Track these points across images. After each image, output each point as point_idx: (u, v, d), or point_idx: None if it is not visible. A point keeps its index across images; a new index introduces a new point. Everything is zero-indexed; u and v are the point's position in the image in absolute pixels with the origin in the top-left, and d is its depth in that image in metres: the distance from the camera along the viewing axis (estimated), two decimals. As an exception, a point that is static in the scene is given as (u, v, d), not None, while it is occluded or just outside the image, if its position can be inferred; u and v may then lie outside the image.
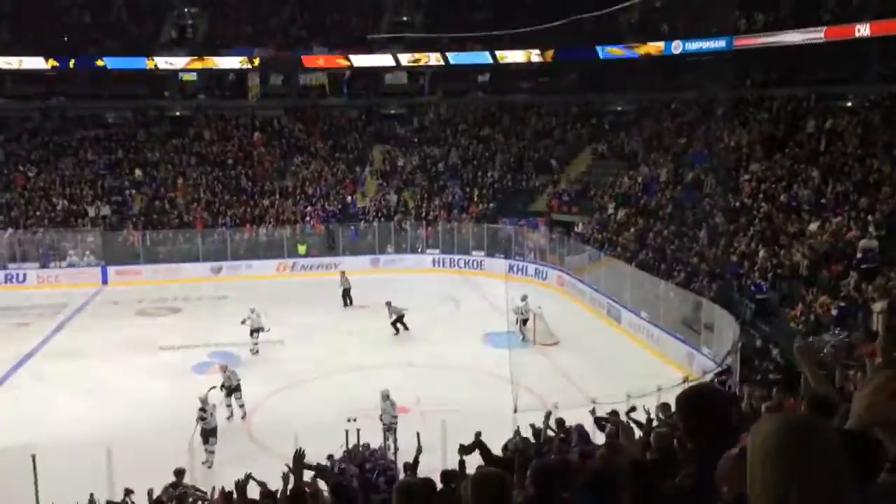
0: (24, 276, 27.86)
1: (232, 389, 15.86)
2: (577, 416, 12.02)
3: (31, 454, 10.82)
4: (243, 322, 19.65)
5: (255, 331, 19.64)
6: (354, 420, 12.67)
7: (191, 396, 16.39)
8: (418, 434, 10.81)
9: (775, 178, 23.33)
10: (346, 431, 12.34)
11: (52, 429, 14.37)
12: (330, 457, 11.42)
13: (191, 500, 10.00)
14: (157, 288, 26.61)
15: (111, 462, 11.60)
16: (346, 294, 24.77)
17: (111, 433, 13.22)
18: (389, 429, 13.94)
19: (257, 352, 19.59)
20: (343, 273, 25.60)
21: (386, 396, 14.29)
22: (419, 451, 10.41)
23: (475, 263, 29.32)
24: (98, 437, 12.99)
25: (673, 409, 9.63)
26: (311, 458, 11.39)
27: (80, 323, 23.30)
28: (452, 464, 9.29)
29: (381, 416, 14.12)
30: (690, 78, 30.06)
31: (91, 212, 30.80)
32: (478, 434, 8.87)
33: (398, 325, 21.81)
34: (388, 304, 22.03)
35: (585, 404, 13.02)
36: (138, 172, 32.83)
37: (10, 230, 29.08)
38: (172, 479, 10.83)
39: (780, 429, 1.66)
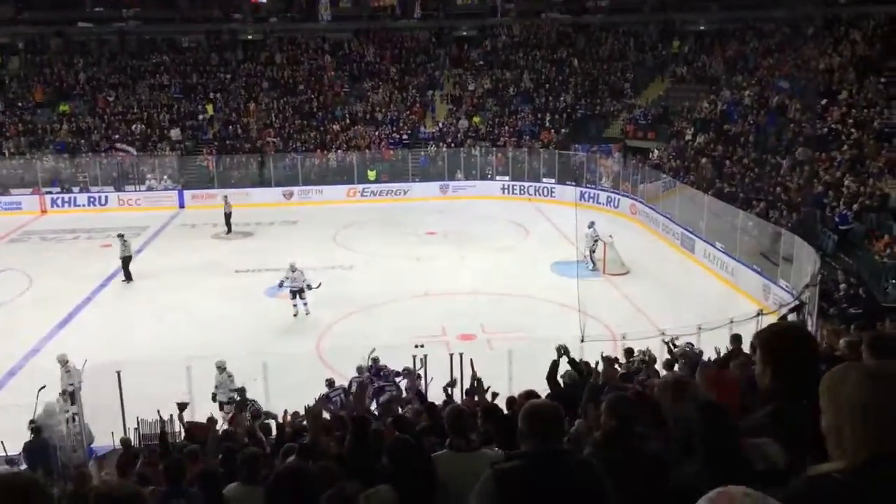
0: (106, 198, 28.85)
1: (296, 292, 16.82)
2: (646, 346, 11.88)
3: (117, 370, 11.32)
4: (281, 284, 17.37)
5: (296, 292, 17.24)
6: (422, 346, 12.77)
7: (263, 318, 16.99)
8: (472, 362, 10.84)
9: (867, 103, 21.94)
10: (414, 357, 12.47)
11: (134, 346, 15.01)
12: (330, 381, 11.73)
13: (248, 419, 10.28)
14: (232, 212, 27.13)
15: (190, 379, 12.06)
16: (228, 219, 24.26)
17: (189, 352, 13.68)
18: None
19: (307, 313, 17.21)
20: (225, 197, 25.54)
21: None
22: (474, 377, 10.43)
23: (545, 191, 28.87)
24: (177, 355, 13.47)
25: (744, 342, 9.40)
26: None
27: (159, 245, 24.10)
28: (519, 391, 9.31)
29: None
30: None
31: (175, 135, 31.41)
32: (561, 349, 8.86)
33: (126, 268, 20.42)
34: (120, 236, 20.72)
35: (655, 335, 12.83)
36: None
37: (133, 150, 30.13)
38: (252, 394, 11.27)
39: (874, 377, 1.52)
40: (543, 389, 9.01)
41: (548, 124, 31.45)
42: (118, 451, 10.21)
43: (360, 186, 29.65)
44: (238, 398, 11.73)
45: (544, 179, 29.14)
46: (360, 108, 33.08)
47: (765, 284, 17.65)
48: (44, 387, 11.12)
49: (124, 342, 15.42)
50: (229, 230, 25.01)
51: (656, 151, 27.93)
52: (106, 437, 11.15)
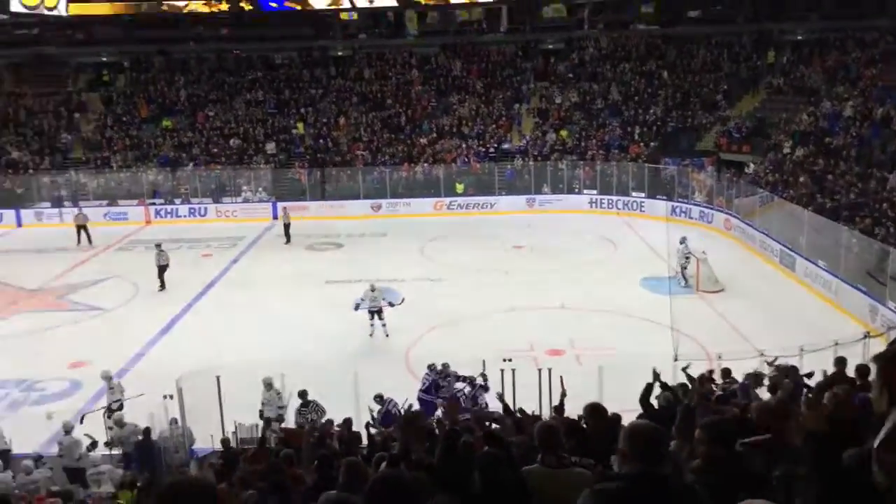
0: (205, 209, 30.06)
1: (375, 312, 16.69)
2: (742, 368, 11.50)
3: (216, 375, 11.77)
4: (357, 307, 16.81)
5: (375, 312, 16.87)
6: (510, 360, 12.74)
7: (353, 329, 17.28)
8: (561, 378, 10.72)
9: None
10: (502, 371, 12.45)
11: (232, 352, 15.54)
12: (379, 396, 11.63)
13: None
14: (323, 223, 27.89)
15: (284, 387, 12.41)
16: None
17: (283, 360, 14.08)
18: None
19: (386, 335, 16.87)
20: (285, 209, 26.32)
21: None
22: (563, 394, 10.35)
23: (634, 205, 28.40)
24: (271, 362, 13.88)
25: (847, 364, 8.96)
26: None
27: (254, 255, 24.92)
28: (610, 409, 9.17)
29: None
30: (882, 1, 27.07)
31: (269, 149, 32.50)
32: (657, 374, 8.70)
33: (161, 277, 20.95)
34: (157, 245, 21.39)
35: (753, 355, 12.42)
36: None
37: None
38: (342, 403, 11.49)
39: None
40: (635, 408, 8.87)
41: (637, 137, 30.97)
42: (217, 453, 10.63)
43: (447, 199, 29.89)
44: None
45: (633, 193, 28.68)
46: (447, 122, 33.41)
47: (871, 305, 16.82)
48: (142, 394, 11.75)
49: (222, 349, 15.98)
50: (288, 240, 25.82)
51: (752, 165, 27.09)
52: (206, 440, 11.63)
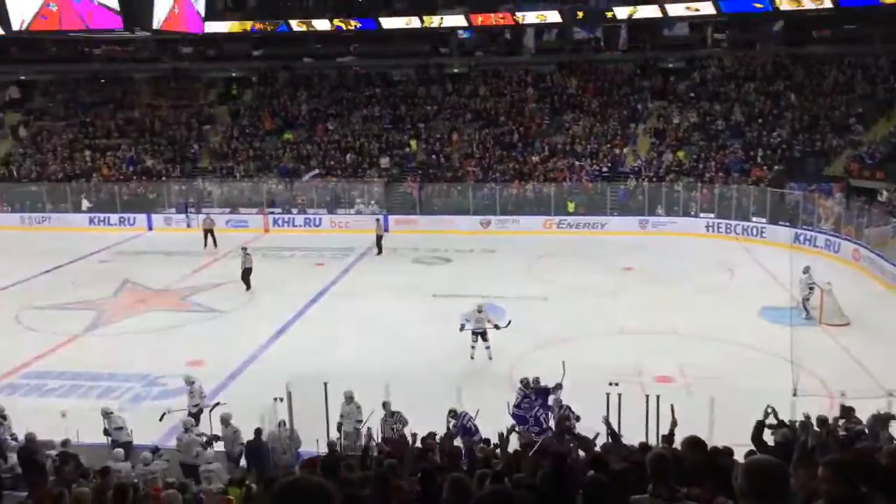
0: (320, 220, 31.02)
1: (479, 333, 16.36)
2: (867, 408, 10.75)
3: (324, 382, 12.04)
4: (462, 328, 16.56)
5: (480, 334, 16.46)
6: (616, 384, 12.39)
7: (460, 344, 17.30)
8: (672, 407, 10.31)
9: None
10: (607, 395, 12.13)
11: (339, 360, 15.87)
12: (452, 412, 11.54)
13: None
14: (432, 238, 28.21)
15: (388, 395, 12.53)
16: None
17: (389, 370, 14.25)
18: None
19: (490, 358, 16.37)
20: (378, 220, 27.21)
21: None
22: (674, 424, 9.95)
23: (755, 230, 27.22)
24: (377, 372, 14.08)
25: None
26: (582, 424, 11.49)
27: (364, 266, 25.46)
28: (720, 441, 8.77)
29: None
30: None
31: (383, 163, 33.26)
32: (767, 412, 8.25)
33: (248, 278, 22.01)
34: (243, 248, 22.71)
35: (879, 395, 11.60)
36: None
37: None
38: (442, 417, 11.49)
39: None
40: (746, 442, 8.46)
41: (759, 160, 29.73)
42: (322, 457, 10.85)
43: (557, 218, 29.61)
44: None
45: (754, 218, 27.48)
46: (560, 140, 33.15)
47: None
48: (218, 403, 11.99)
49: (330, 356, 16.35)
50: (380, 251, 26.58)
51: (885, 192, 25.42)
52: (311, 444, 11.90)
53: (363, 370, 14.86)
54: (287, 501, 2.22)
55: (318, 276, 23.77)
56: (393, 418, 12.03)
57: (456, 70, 38.01)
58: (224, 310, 20.53)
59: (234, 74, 39.29)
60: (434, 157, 33.48)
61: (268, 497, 2.36)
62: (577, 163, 31.70)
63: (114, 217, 32.19)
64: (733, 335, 17.55)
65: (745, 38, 35.23)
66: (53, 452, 10.54)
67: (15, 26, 25.61)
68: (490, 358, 16.43)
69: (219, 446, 11.48)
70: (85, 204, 32.99)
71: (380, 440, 11.35)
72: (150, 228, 31.61)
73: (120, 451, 10.96)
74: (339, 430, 12.18)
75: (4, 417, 11.86)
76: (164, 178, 33.75)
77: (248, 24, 36.53)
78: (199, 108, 37.68)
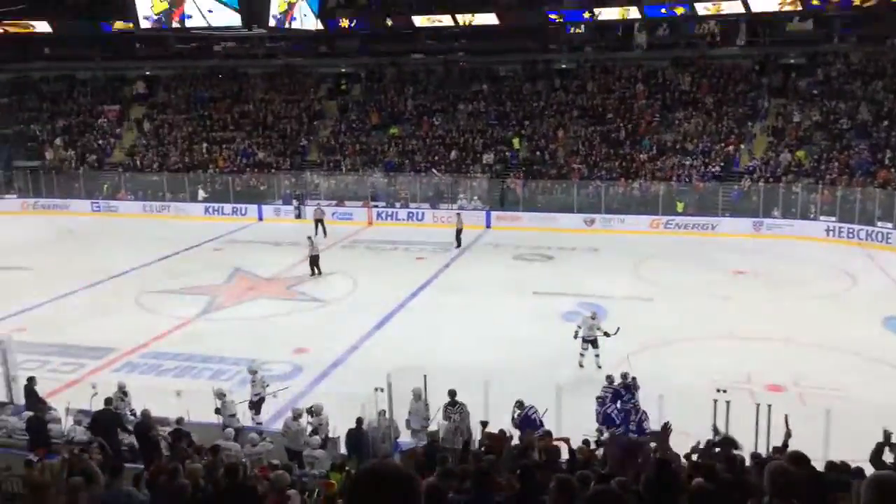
0: (423, 214, 31.29)
1: (591, 341, 15.71)
2: None
3: (423, 374, 12.09)
4: (576, 335, 15.88)
5: (591, 341, 15.75)
6: (724, 391, 11.87)
7: (559, 341, 17.03)
8: (786, 417, 9.75)
9: None
10: (715, 402, 11.63)
11: (439, 353, 15.92)
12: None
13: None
14: (534, 235, 27.97)
15: (487, 393, 12.44)
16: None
17: (487, 365, 14.20)
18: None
19: (599, 367, 15.34)
20: (458, 214, 27.26)
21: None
22: (788, 435, 9.42)
23: (880, 236, 25.59)
24: (475, 367, 14.05)
25: None
26: (678, 427, 11.03)
27: (465, 261, 25.48)
28: (835, 457, 8.25)
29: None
30: None
31: (485, 159, 33.26)
32: (888, 434, 7.69)
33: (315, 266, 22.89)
34: (309, 237, 23.78)
35: None
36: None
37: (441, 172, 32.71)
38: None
39: None
40: (863, 458, 7.91)
41: (887, 162, 27.89)
42: (418, 448, 10.89)
43: (665, 218, 28.74)
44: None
45: (879, 223, 25.83)
46: (670, 138, 32.16)
47: None
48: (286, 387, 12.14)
49: (429, 349, 16.43)
50: (458, 244, 26.66)
51: None
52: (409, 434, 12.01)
53: (462, 364, 14.85)
54: (368, 486, 2.18)
55: (419, 270, 23.97)
56: (454, 408, 11.97)
57: (564, 65, 37.49)
58: (328, 300, 21.00)
59: (343, 70, 40.16)
60: (538, 153, 33.15)
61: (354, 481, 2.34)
62: (687, 161, 30.67)
63: (227, 207, 33.54)
64: (853, 346, 16.52)
65: (876, 33, 33.09)
66: (167, 429, 11.03)
67: (143, 24, 27.09)
68: (599, 367, 15.53)
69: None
70: (201, 194, 34.54)
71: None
72: (261, 219, 32.75)
73: (230, 430, 11.37)
74: (407, 426, 12.18)
75: (125, 394, 12.50)
76: (274, 171, 34.88)
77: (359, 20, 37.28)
78: (309, 103, 38.72)
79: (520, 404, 11.72)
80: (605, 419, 12.10)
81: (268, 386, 13.38)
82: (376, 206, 32.15)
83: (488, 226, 30.25)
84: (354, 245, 28.05)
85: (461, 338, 17.46)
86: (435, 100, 37.19)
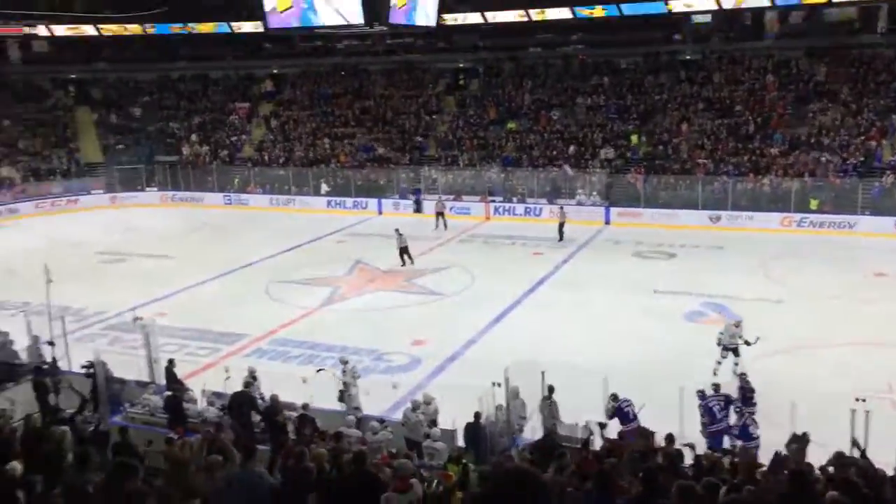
0: (540, 210, 31.07)
1: (732, 349, 14.87)
2: None
3: (541, 371, 12.02)
4: (719, 343, 15.06)
5: (730, 349, 14.94)
6: (863, 400, 11.14)
7: (681, 342, 16.52)
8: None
9: None
10: (852, 412, 10.94)
11: (555, 350, 15.76)
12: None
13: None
14: (655, 232, 27.24)
15: (606, 391, 12.23)
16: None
17: (605, 363, 13.93)
18: None
19: (736, 374, 14.01)
20: (561, 208, 26.79)
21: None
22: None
23: None
24: (593, 365, 13.84)
25: None
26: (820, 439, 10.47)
27: (583, 257, 25.13)
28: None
29: None
30: None
31: (601, 154, 32.69)
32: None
33: (405, 256, 23.44)
34: (396, 230, 24.18)
35: None
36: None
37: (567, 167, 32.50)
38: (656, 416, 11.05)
39: None
40: None
41: None
42: (532, 444, 10.85)
43: (798, 216, 27.25)
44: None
45: None
46: (804, 132, 30.48)
47: None
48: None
49: (546, 345, 16.32)
50: (561, 238, 26.53)
51: None
52: (527, 430, 11.96)
53: (579, 361, 14.69)
54: (501, 486, 2.19)
55: (536, 265, 23.84)
56: (547, 402, 11.87)
57: (689, 57, 36.24)
58: (446, 293, 21.22)
59: (461, 65, 40.41)
60: (661, 147, 32.21)
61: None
62: (823, 156, 28.97)
63: (349, 201, 34.51)
64: None
65: None
66: (294, 414, 11.48)
67: (271, 24, 28.29)
68: (736, 375, 14.24)
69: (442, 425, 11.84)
70: (324, 188, 35.70)
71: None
72: (380, 212, 33.49)
73: (352, 418, 11.73)
74: (405, 440, 11.88)
75: (255, 378, 13.09)
76: (393, 166, 35.56)
77: (476, 16, 37.35)
78: (427, 99, 39.21)
79: (614, 396, 11.79)
80: (706, 411, 11.81)
81: (358, 377, 13.67)
82: (493, 201, 32.20)
83: (607, 222, 29.69)
84: (472, 239, 28.22)
85: (579, 335, 17.26)
86: (553, 94, 36.83)
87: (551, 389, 12.03)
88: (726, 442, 11.51)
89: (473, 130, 36.47)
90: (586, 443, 9.64)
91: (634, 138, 33.02)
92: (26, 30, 40.44)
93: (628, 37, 37.08)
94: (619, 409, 11.66)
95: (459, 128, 36.90)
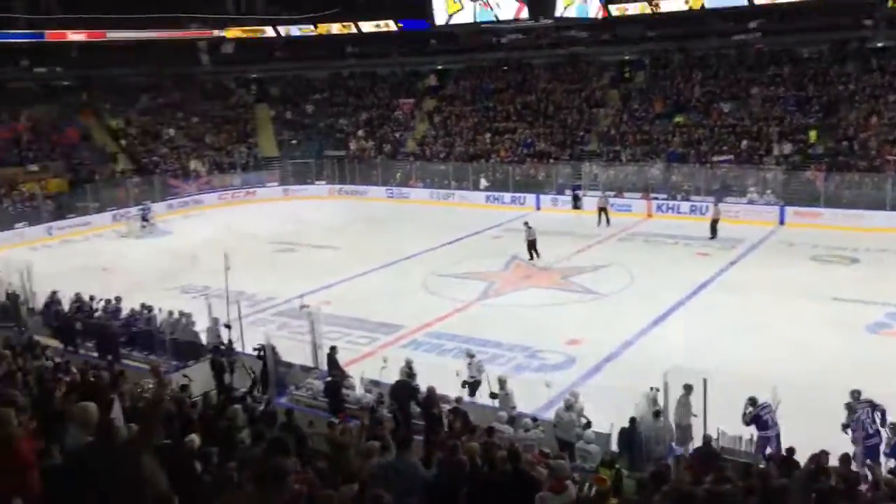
0: (706, 208, 29.56)
1: None
2: None
3: (703, 378, 11.40)
4: None
5: None
6: None
7: (862, 355, 15.17)
8: None
9: None
10: None
11: (719, 356, 14.93)
12: None
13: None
14: (836, 234, 25.18)
15: (777, 402, 11.43)
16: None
17: (774, 373, 12.98)
18: None
19: None
20: (526, 223, 25.09)
21: None
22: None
23: None
24: (761, 374, 12.95)
25: None
26: None
27: (753, 260, 23.69)
28: None
29: None
30: None
31: (775, 150, 30.71)
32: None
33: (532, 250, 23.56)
34: (525, 223, 24.36)
35: None
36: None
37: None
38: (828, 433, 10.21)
39: None
40: None
41: None
42: (689, 456, 10.35)
43: None
44: None
45: None
46: None
47: None
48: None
49: (708, 350, 15.52)
50: (713, 235, 25.83)
51: None
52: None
53: (745, 370, 13.79)
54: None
55: (701, 267, 22.75)
56: (657, 417, 11.29)
57: (881, 44, 33.18)
58: (604, 293, 20.73)
59: (626, 57, 39.30)
60: (845, 143, 29.72)
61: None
62: None
63: (507, 196, 34.56)
64: None
65: None
66: (447, 406, 11.63)
67: (438, 21, 28.81)
68: None
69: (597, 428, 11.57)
70: (483, 183, 35.97)
71: None
72: (538, 208, 33.27)
73: (504, 414, 11.71)
74: (556, 440, 11.47)
75: (411, 369, 13.41)
76: (553, 161, 35.20)
77: (643, 6, 36.20)
78: (590, 92, 38.46)
79: (752, 401, 11.18)
80: (859, 424, 10.82)
81: (483, 371, 13.69)
82: (656, 198, 31.08)
83: (781, 222, 27.84)
84: (632, 238, 27.39)
85: (745, 342, 16.26)
86: (725, 85, 34.98)
87: (688, 388, 11.48)
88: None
89: (638, 125, 35.37)
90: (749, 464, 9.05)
91: (813, 135, 30.68)
92: (215, 32, 43.76)
93: (812, 23, 34.51)
94: (757, 416, 11.05)
95: (623, 122, 35.93)
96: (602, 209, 29.19)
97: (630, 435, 10.74)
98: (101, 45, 41.20)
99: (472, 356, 14.10)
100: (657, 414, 11.33)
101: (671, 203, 30.71)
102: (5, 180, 33.67)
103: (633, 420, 10.85)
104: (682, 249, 25.33)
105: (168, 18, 41.72)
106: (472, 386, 13.61)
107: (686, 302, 19.63)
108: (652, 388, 11.72)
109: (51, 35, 39.33)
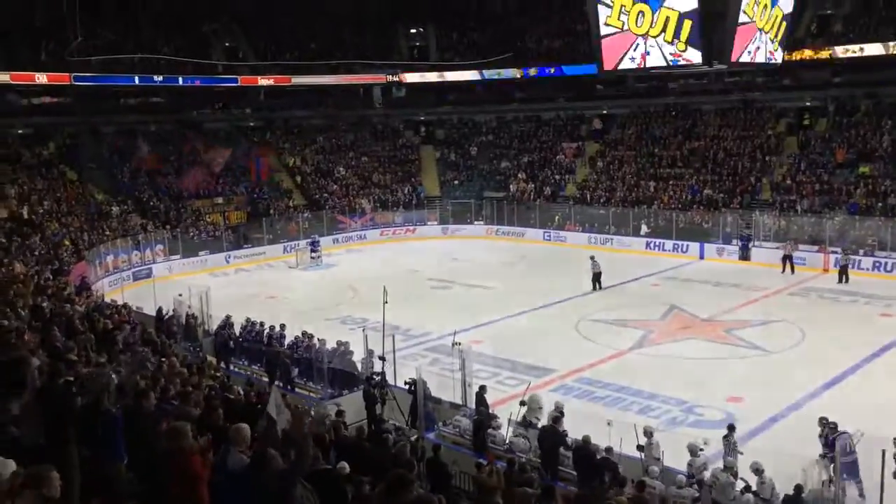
0: (892, 265, 27.14)
1: None
2: None
3: (881, 449, 10.37)
4: None
5: None
6: None
7: None
8: None
9: None
10: None
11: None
12: None
13: None
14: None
15: None
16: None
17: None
18: None
19: None
20: (592, 258, 26.57)
21: None
22: None
23: None
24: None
25: None
26: None
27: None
28: None
29: None
30: None
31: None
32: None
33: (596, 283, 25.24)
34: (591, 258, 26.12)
35: None
36: None
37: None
38: None
39: None
40: None
41: None
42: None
43: None
44: None
45: None
46: None
47: None
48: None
49: (885, 421, 14.04)
50: (840, 280, 25.99)
51: None
52: None
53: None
54: None
55: (885, 327, 20.84)
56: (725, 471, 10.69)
57: None
58: (770, 349, 19.46)
59: (807, 104, 37.17)
60: None
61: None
62: None
63: (668, 243, 33.42)
64: None
65: None
66: (597, 456, 11.28)
67: (607, 66, 28.63)
68: None
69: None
70: (644, 229, 35.02)
71: None
72: (702, 257, 31.91)
73: (655, 469, 11.19)
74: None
75: (562, 413, 13.11)
76: (720, 209, 33.72)
77: (828, 52, 34.26)
78: (765, 139, 36.67)
79: (825, 421, 11.51)
80: None
81: (541, 408, 13.55)
82: (834, 252, 28.88)
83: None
84: (807, 293, 25.56)
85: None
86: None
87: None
88: None
89: (816, 174, 33.24)
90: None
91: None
92: (388, 77, 45.99)
93: None
94: (830, 439, 10.77)
95: (800, 171, 33.89)
96: (787, 257, 28.24)
97: (791, 502, 9.93)
98: (285, 90, 44.50)
99: (524, 403, 13.77)
100: (826, 483, 10.41)
101: (852, 258, 28.38)
102: (194, 211, 36.83)
103: (797, 488, 10.02)
104: (863, 308, 23.35)
105: (346, 64, 44.45)
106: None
107: (865, 364, 18.03)
108: (823, 455, 10.81)
109: (244, 80, 42.96)
